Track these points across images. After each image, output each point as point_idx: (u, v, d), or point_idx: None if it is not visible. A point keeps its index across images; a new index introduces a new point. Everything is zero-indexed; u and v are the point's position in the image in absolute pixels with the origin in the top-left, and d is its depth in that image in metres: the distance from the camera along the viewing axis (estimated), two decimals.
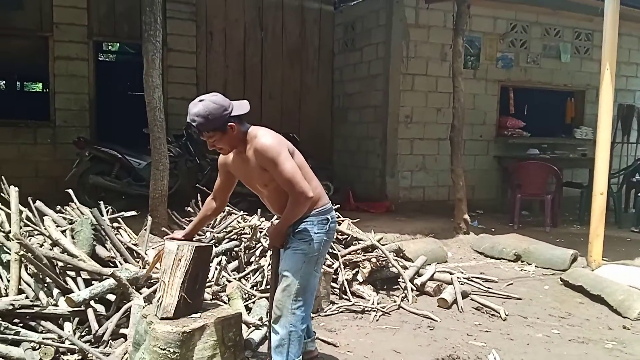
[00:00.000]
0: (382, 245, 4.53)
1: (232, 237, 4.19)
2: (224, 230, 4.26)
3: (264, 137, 2.50)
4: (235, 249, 4.10)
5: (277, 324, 2.60)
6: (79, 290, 3.21)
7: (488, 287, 4.44)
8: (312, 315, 3.69)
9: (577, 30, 8.78)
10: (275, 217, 3.17)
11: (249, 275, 3.90)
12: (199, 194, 5.15)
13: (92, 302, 3.14)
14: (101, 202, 4.40)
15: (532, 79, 8.59)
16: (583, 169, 8.40)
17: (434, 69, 7.87)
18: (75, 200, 4.31)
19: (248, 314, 3.36)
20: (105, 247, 3.81)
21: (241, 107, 2.52)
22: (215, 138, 2.49)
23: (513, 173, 7.41)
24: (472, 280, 4.54)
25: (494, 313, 3.92)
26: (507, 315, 3.86)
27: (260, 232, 4.19)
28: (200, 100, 2.45)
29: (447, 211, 6.83)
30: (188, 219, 4.78)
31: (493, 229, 6.65)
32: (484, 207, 7.93)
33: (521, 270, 5.22)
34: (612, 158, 6.12)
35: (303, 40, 9.06)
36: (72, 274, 3.37)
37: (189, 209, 4.98)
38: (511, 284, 4.70)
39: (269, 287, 3.57)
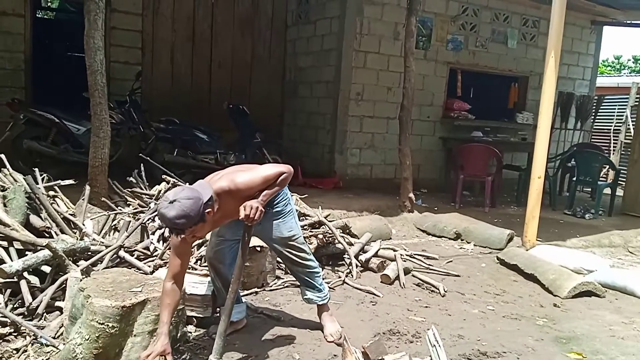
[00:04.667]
0: (329, 221, 4.56)
1: None
2: None
3: (239, 179, 2.52)
4: None
5: (308, 261, 3.00)
6: (12, 260, 3.05)
7: (429, 264, 4.57)
8: (257, 290, 3.70)
9: (524, 16, 9.01)
10: None
11: (192, 250, 3.83)
12: (142, 164, 4.97)
13: (25, 274, 2.99)
14: (36, 169, 4.16)
15: (479, 62, 8.77)
16: (522, 153, 8.74)
17: (387, 47, 7.88)
18: (8, 165, 4.06)
19: None
20: (40, 217, 3.63)
21: (205, 188, 2.40)
22: (197, 229, 2.35)
23: (457, 154, 7.60)
24: (414, 257, 4.66)
25: (433, 289, 4.03)
26: (445, 292, 3.99)
27: None
28: (171, 202, 2.26)
29: (393, 189, 6.94)
30: (130, 190, 4.62)
31: (436, 208, 6.84)
32: (428, 186, 8.12)
33: (460, 248, 5.41)
34: (550, 143, 6.37)
35: (255, 9, 8.84)
36: (4, 243, 3.18)
37: (132, 179, 4.80)
38: (451, 261, 4.85)
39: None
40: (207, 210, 2.33)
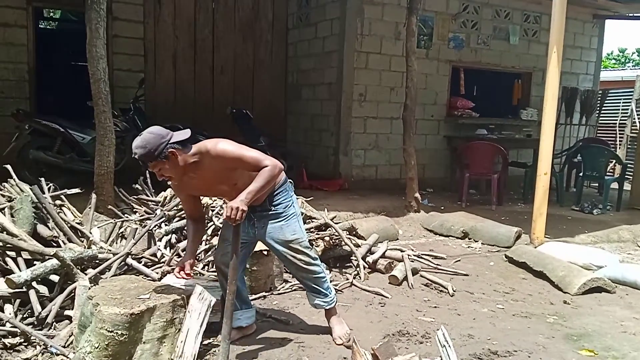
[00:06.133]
0: (336, 223, 4.56)
1: (183, 216, 4.09)
2: (175, 207, 4.16)
3: (220, 144, 2.59)
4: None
5: (312, 266, 2.93)
6: (20, 271, 3.06)
7: (437, 264, 4.55)
8: (265, 294, 3.69)
9: (526, 12, 8.98)
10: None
11: (200, 255, 3.83)
12: (147, 171, 4.97)
13: (34, 283, 3.01)
14: (42, 179, 4.19)
15: (482, 60, 8.75)
16: (528, 149, 8.70)
17: (388, 47, 7.87)
18: (15, 176, 4.09)
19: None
20: (48, 226, 3.64)
21: (182, 133, 2.60)
22: (160, 167, 2.56)
23: (462, 153, 7.58)
24: (422, 258, 4.64)
25: (442, 289, 4.02)
26: (454, 291, 3.97)
27: (212, 210, 4.12)
28: (141, 134, 2.56)
29: (398, 189, 6.93)
30: (136, 197, 4.63)
31: (442, 207, 6.81)
32: (434, 185, 8.10)
33: (468, 247, 5.39)
34: (556, 139, 6.33)
35: (256, 14, 8.85)
36: (12, 254, 3.21)
37: (137, 186, 4.82)
38: (459, 260, 4.83)
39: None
40: (170, 150, 2.50)
